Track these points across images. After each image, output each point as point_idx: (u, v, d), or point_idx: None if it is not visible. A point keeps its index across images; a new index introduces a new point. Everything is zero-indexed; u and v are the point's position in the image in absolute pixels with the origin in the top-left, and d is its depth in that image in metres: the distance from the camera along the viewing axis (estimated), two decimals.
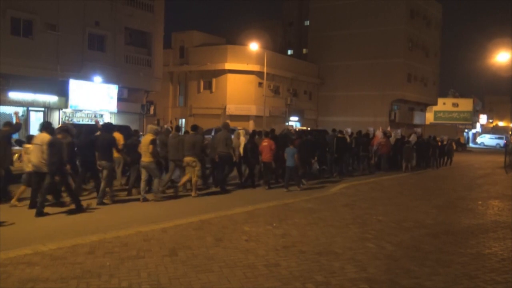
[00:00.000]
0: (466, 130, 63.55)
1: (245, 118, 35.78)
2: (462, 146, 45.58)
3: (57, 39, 22.44)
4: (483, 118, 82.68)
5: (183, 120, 38.39)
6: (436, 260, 5.85)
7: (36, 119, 22.81)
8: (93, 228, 7.27)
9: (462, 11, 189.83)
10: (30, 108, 22.26)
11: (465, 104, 68.35)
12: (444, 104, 64.99)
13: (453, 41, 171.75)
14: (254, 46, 33.00)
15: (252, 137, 13.02)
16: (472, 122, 69.37)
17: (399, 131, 22.92)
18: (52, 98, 22.63)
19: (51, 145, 8.24)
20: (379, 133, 19.37)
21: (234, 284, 4.79)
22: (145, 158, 9.96)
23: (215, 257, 5.67)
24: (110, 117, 25.37)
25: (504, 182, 16.31)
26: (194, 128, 11.36)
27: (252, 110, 36.28)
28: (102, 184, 9.46)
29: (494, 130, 74.72)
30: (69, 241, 6.25)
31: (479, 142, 59.97)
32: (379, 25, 41.34)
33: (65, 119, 23.04)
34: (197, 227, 7.28)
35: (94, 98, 23.81)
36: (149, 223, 7.55)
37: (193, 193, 10.79)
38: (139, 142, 10.68)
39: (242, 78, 36.36)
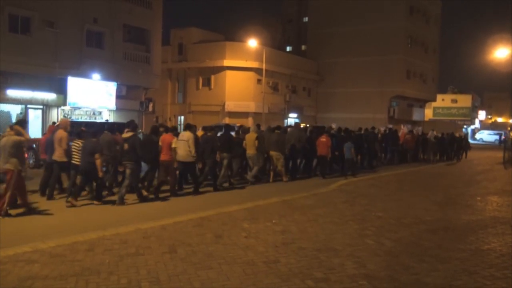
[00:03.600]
0: (465, 126, 63.58)
1: (244, 115, 35.74)
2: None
3: (55, 36, 22.38)
4: (482, 114, 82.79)
5: (182, 117, 38.33)
6: (435, 256, 5.85)
7: (34, 117, 22.76)
8: (92, 225, 7.26)
9: (461, 7, 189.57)
10: (28, 106, 22.19)
11: (464, 100, 68.37)
12: (443, 101, 64.98)
13: (452, 37, 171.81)
14: (253, 43, 32.91)
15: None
16: (471, 118, 69.44)
17: (420, 128, 24.88)
18: (50, 96, 22.57)
19: (206, 141, 11.13)
20: (405, 129, 21.66)
21: (233, 281, 4.79)
22: (251, 151, 12.38)
23: (214, 254, 5.67)
24: (109, 115, 25.32)
25: (503, 178, 16.33)
26: (279, 128, 13.76)
27: (251, 107, 36.23)
28: (222, 171, 11.61)
29: (493, 126, 74.82)
30: (68, 238, 6.25)
31: (477, 138, 60.00)
32: (378, 21, 41.22)
33: (64, 117, 22.99)
34: (196, 224, 7.28)
35: (92, 96, 23.75)
36: (148, 220, 7.54)
37: (284, 178, 13.08)
38: (241, 139, 12.72)
39: (241, 75, 36.30)
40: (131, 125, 9.98)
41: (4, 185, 7.82)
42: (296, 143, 13.72)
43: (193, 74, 37.96)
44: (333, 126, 18.90)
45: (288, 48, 56.57)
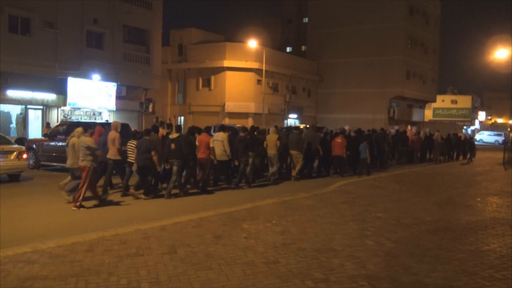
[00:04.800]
0: (464, 127, 63.62)
1: (244, 115, 35.75)
2: None
3: (55, 37, 22.39)
4: (482, 115, 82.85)
5: (182, 117, 38.33)
6: (435, 256, 5.85)
7: (34, 117, 22.78)
8: (92, 226, 7.27)
9: (461, 8, 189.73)
10: (28, 106, 22.21)
11: (464, 101, 68.44)
12: (443, 101, 65.06)
13: (452, 38, 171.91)
14: (252, 43, 32.92)
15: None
16: (471, 119, 69.50)
17: (427, 129, 26.05)
18: (50, 96, 22.58)
19: (241, 140, 11.83)
20: (413, 130, 22.31)
21: (233, 282, 4.79)
22: (272, 151, 13.01)
23: (214, 255, 5.67)
24: (109, 115, 25.32)
25: (503, 178, 16.31)
26: (297, 128, 14.62)
27: (251, 107, 36.24)
28: (248, 170, 12.04)
29: (493, 127, 74.82)
30: (68, 239, 6.25)
31: (477, 139, 60.03)
32: (378, 22, 41.29)
33: (64, 117, 23.02)
34: (196, 225, 7.28)
35: (92, 96, 23.76)
36: (148, 220, 7.55)
37: (293, 173, 13.80)
38: (262, 139, 13.23)
39: (241, 75, 36.31)
40: (177, 128, 11.22)
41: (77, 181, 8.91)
42: (312, 143, 14.52)
43: (193, 75, 37.97)
44: (346, 128, 19.29)
45: (288, 49, 56.63)
